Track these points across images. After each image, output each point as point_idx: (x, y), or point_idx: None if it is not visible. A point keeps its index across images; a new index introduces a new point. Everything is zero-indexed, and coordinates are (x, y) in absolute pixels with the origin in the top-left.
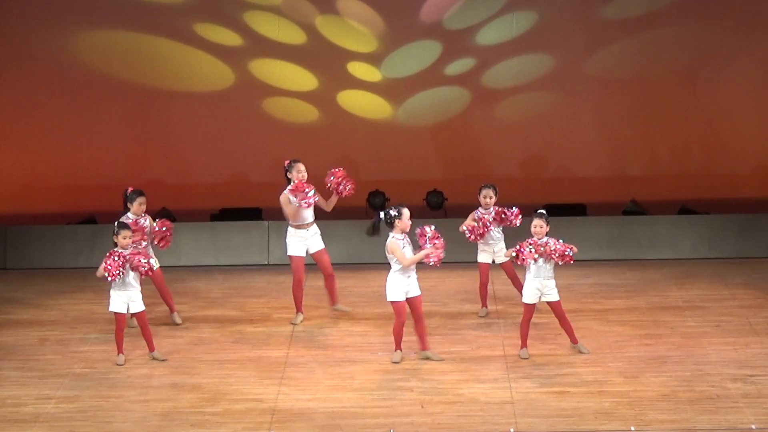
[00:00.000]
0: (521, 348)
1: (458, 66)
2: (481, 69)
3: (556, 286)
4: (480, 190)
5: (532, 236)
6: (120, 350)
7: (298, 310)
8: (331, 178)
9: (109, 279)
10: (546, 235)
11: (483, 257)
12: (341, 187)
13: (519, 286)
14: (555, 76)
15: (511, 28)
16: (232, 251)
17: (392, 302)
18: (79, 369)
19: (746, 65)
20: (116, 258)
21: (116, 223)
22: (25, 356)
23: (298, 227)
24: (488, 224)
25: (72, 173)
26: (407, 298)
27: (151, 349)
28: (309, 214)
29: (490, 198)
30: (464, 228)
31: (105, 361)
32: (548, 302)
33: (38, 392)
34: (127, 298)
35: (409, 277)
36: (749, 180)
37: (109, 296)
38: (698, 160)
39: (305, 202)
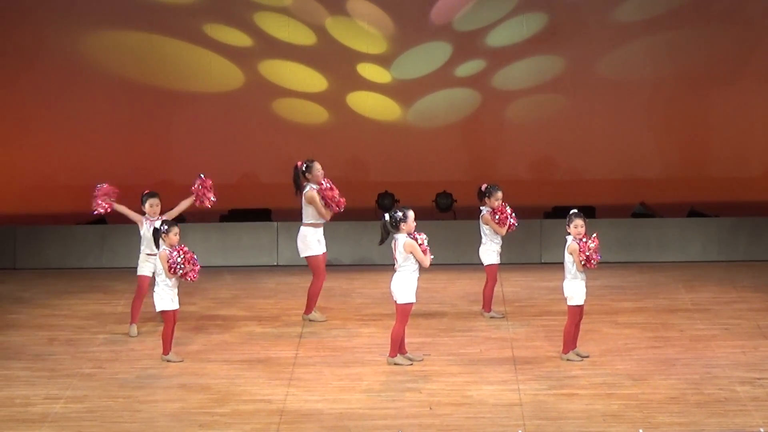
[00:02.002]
0: (574, 348)
1: (468, 67)
2: (491, 71)
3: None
4: (494, 192)
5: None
6: (170, 347)
7: (313, 308)
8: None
9: (192, 279)
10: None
11: (495, 258)
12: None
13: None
14: (565, 78)
15: (522, 29)
16: (242, 252)
17: (406, 304)
18: (88, 369)
19: (756, 68)
20: (182, 254)
21: (162, 221)
22: (34, 356)
23: (318, 226)
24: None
25: (82, 173)
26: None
27: (165, 352)
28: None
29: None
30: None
31: (114, 361)
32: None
33: (47, 392)
34: (174, 294)
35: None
36: (759, 183)
37: (156, 296)
38: (708, 163)
39: (339, 208)
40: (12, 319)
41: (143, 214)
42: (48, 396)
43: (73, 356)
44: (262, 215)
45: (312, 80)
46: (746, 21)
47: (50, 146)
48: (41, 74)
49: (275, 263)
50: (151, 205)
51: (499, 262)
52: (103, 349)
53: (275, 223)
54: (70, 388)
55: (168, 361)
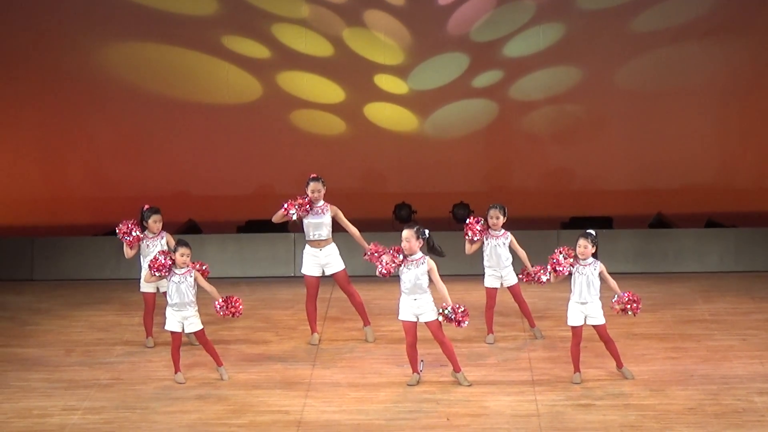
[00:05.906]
0: (574, 372)
1: (485, 78)
2: (508, 81)
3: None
4: (488, 210)
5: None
6: (177, 369)
7: (313, 330)
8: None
9: (158, 273)
10: (593, 255)
11: (490, 281)
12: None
13: (527, 312)
14: (582, 88)
15: (539, 40)
16: (259, 263)
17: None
18: (105, 380)
19: None
20: (162, 258)
21: (177, 241)
22: (51, 367)
23: (312, 244)
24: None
25: (99, 185)
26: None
27: (219, 363)
28: (316, 232)
29: (497, 218)
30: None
31: (131, 373)
32: (593, 326)
33: (64, 403)
34: (182, 317)
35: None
36: None
37: (165, 314)
38: (725, 174)
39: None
40: (29, 330)
41: (144, 229)
42: (65, 407)
43: (90, 367)
44: (279, 226)
45: (329, 91)
46: (764, 31)
47: (67, 158)
48: (58, 86)
49: (292, 274)
50: (155, 221)
51: (494, 286)
52: (120, 360)
53: (292, 234)
54: (87, 400)
55: (224, 377)
